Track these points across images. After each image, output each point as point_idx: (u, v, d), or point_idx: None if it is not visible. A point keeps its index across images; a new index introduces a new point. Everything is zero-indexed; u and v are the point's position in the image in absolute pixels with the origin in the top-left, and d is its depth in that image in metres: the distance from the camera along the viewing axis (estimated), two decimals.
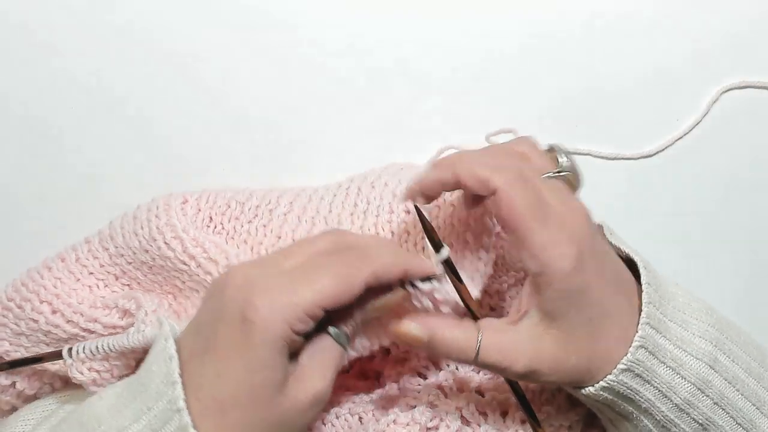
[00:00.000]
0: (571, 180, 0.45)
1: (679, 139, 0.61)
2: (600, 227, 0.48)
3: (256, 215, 0.53)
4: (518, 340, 0.42)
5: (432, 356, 0.51)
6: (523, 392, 0.46)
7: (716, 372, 0.43)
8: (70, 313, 0.49)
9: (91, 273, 0.52)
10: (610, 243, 0.46)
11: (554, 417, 0.48)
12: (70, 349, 0.47)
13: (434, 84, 0.60)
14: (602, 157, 0.61)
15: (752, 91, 0.60)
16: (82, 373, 0.47)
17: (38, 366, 0.51)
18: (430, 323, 0.43)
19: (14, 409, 0.55)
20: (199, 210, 0.53)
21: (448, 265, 0.43)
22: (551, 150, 0.47)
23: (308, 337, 0.41)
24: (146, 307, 0.48)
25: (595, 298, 0.41)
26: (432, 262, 0.43)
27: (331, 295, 0.39)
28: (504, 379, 0.46)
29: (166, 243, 0.50)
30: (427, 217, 0.45)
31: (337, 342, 0.42)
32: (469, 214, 0.47)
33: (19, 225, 0.62)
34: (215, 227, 0.53)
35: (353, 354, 0.45)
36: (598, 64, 0.60)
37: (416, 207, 0.45)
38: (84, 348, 0.47)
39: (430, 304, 0.43)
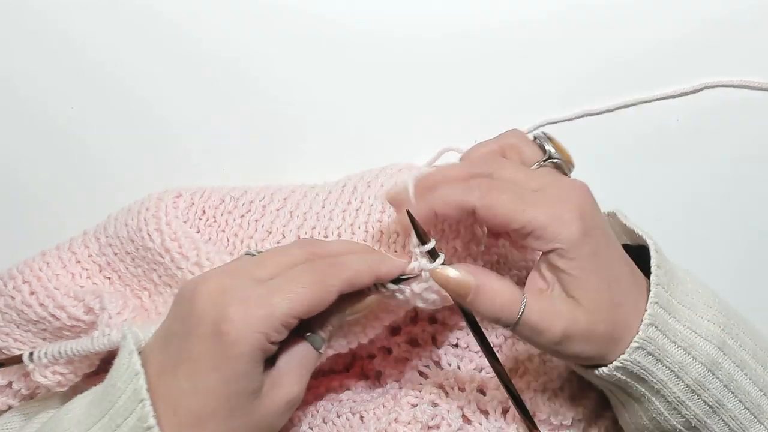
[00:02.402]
0: (562, 165, 0.47)
1: None
2: (613, 213, 0.49)
3: (249, 210, 0.53)
4: (556, 306, 0.42)
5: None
6: (519, 394, 0.46)
7: (725, 354, 0.44)
8: (44, 296, 0.49)
9: (78, 262, 0.53)
10: (625, 226, 0.48)
11: (555, 416, 0.49)
12: (31, 354, 0.46)
13: (435, 84, 0.60)
14: None
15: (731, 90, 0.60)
16: (46, 377, 0.46)
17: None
18: (480, 273, 0.42)
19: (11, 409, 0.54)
20: (193, 203, 0.53)
21: (431, 255, 0.43)
22: (536, 140, 0.48)
23: (283, 341, 0.41)
24: (110, 309, 0.47)
25: (608, 261, 0.42)
26: (413, 256, 0.43)
27: (306, 305, 0.40)
28: (500, 381, 0.46)
29: (149, 234, 0.50)
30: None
31: (314, 347, 0.42)
32: (459, 222, 0.47)
33: (22, 226, 0.63)
34: (207, 220, 0.53)
35: (330, 352, 0.46)
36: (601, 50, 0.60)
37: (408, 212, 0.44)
38: (46, 353, 0.45)
39: (409, 297, 0.43)
